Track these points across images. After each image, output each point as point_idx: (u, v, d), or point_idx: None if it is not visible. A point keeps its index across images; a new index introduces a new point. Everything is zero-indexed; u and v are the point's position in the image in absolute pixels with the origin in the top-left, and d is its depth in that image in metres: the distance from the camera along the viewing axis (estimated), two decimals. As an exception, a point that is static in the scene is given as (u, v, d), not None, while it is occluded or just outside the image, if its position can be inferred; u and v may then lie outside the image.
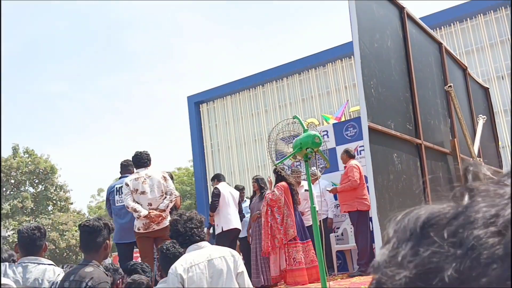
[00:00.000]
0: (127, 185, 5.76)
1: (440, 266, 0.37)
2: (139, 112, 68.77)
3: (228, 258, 3.28)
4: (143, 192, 5.69)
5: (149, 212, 5.57)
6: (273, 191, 6.71)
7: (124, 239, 6.09)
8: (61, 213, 32.47)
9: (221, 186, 7.43)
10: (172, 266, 3.24)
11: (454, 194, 0.43)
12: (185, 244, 3.38)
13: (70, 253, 31.69)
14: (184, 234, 3.32)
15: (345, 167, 7.15)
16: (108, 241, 3.27)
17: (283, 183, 6.70)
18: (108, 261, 7.19)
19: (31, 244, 3.40)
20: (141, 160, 5.95)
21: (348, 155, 7.22)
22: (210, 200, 7.49)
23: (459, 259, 0.36)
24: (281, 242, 6.46)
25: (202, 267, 3.18)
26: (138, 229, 5.66)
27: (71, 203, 34.60)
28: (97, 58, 69.97)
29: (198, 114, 31.90)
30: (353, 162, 7.04)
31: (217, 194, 7.24)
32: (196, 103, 31.48)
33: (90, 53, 68.92)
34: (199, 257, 3.22)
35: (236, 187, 8.20)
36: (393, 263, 0.40)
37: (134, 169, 6.07)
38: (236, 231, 7.17)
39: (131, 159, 6.21)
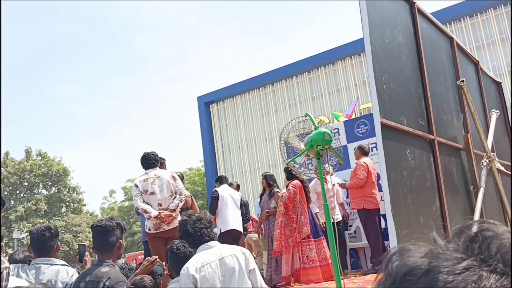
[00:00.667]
0: (136, 186, 5.75)
1: None
2: (150, 113, 69.10)
3: (239, 256, 3.28)
4: (152, 193, 5.69)
5: (159, 213, 5.58)
6: (289, 189, 6.70)
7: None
8: (74, 215, 32.73)
9: (221, 188, 7.53)
10: (184, 267, 3.24)
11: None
12: (195, 245, 3.38)
13: (84, 255, 31.84)
14: (194, 235, 3.33)
15: (356, 163, 7.13)
16: (121, 240, 3.27)
17: (296, 181, 6.69)
18: (121, 261, 7.21)
19: (41, 245, 3.40)
20: (149, 161, 5.92)
21: (362, 151, 7.18)
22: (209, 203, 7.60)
23: None
24: (295, 241, 6.44)
25: (214, 266, 3.18)
26: (149, 230, 5.66)
27: (84, 205, 34.87)
28: (108, 61, 70.41)
29: (208, 114, 32.00)
30: (363, 160, 7.00)
31: (215, 197, 7.34)
32: (206, 103, 31.57)
33: (102, 56, 69.37)
34: (211, 256, 3.22)
35: (230, 184, 8.19)
36: None
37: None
38: (235, 232, 7.16)
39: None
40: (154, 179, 5.75)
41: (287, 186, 6.78)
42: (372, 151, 7.88)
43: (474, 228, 0.52)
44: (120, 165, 63.18)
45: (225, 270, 3.19)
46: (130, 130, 68.22)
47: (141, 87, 70.38)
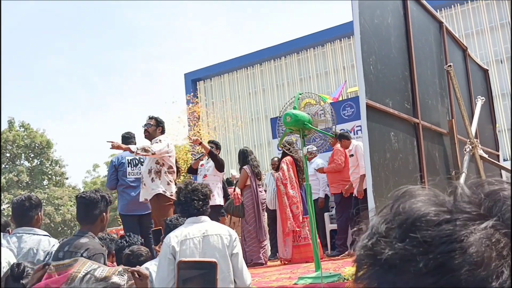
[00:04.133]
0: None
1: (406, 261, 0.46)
2: (137, 88, 68.50)
3: (225, 237, 3.24)
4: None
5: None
6: (281, 167, 6.72)
7: (132, 211, 6.06)
8: (57, 188, 32.53)
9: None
10: (167, 236, 3.23)
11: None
12: (183, 214, 3.36)
13: (65, 228, 31.82)
14: (184, 204, 3.29)
15: (333, 149, 7.11)
16: (105, 213, 3.25)
17: (288, 157, 6.68)
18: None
19: (22, 214, 3.40)
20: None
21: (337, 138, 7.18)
22: None
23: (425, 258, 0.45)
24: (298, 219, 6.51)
25: (196, 242, 3.16)
26: (171, 194, 5.51)
27: (67, 178, 34.67)
28: (98, 35, 69.36)
29: (195, 92, 31.80)
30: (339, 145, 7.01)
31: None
32: (193, 80, 31.33)
33: (92, 30, 68.31)
34: (195, 231, 3.19)
35: None
36: (384, 239, 0.49)
37: (136, 142, 6.13)
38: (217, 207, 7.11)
39: (131, 132, 6.29)
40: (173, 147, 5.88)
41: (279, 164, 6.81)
42: (357, 133, 7.90)
43: (488, 186, 0.51)
44: (104, 139, 62.72)
45: (206, 248, 3.16)
46: (116, 105, 67.65)
47: (129, 62, 69.71)
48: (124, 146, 5.48)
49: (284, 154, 6.76)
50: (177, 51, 72.99)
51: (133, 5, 73.22)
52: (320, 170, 7.34)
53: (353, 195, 6.71)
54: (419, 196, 0.52)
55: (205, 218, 3.31)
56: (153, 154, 5.45)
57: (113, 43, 71.63)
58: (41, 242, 3.34)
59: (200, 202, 3.27)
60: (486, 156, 5.26)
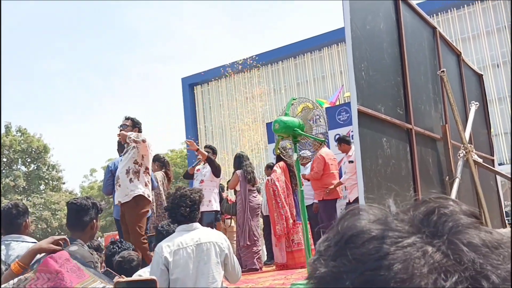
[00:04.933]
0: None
1: (336, 278, 0.47)
2: (135, 92, 68.52)
3: (218, 243, 3.22)
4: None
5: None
6: (274, 170, 6.73)
7: None
8: (53, 193, 32.47)
9: None
10: (159, 245, 3.19)
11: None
12: (173, 221, 3.32)
13: (62, 232, 31.71)
14: (171, 210, 3.26)
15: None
16: (95, 221, 3.23)
17: (281, 162, 6.68)
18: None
19: (9, 222, 3.38)
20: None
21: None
22: None
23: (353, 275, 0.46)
24: (281, 217, 6.48)
25: (190, 251, 3.12)
26: (148, 196, 5.36)
27: (63, 183, 34.61)
28: (96, 36, 69.41)
29: (192, 96, 31.77)
30: (323, 151, 6.98)
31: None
32: (190, 85, 31.33)
33: (89, 31, 68.36)
34: (188, 240, 3.15)
35: None
36: (322, 257, 0.50)
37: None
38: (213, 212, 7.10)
39: None
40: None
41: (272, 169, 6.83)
42: (352, 138, 7.89)
43: (433, 204, 0.50)
44: (102, 143, 62.77)
45: (200, 256, 3.13)
46: (113, 108, 67.65)
47: (128, 64, 69.77)
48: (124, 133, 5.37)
49: (279, 159, 6.76)
50: (175, 55, 73.01)
51: (132, 7, 73.34)
52: (303, 176, 7.38)
53: (336, 200, 6.89)
54: (364, 214, 0.51)
55: (197, 225, 3.27)
56: (143, 141, 5.26)
57: (111, 45, 71.78)
58: None
59: (188, 209, 3.22)
60: (480, 161, 5.25)
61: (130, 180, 5.27)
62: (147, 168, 5.39)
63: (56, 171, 33.65)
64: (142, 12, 72.61)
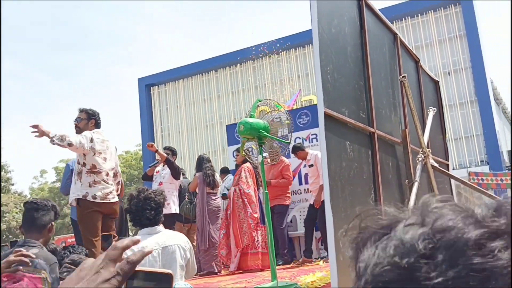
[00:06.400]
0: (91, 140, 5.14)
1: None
2: (88, 93, 66.91)
3: (182, 246, 3.19)
4: (104, 158, 5.23)
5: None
6: (241, 176, 6.66)
7: None
8: (2, 194, 31.24)
9: None
10: None
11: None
12: (136, 224, 3.25)
13: (10, 235, 30.57)
14: (135, 213, 3.17)
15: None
16: (53, 223, 3.13)
17: (248, 164, 6.62)
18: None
19: None
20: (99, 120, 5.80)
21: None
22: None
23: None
24: (249, 227, 6.44)
25: (155, 254, 3.07)
26: (94, 198, 5.03)
27: (12, 184, 33.40)
28: (49, 35, 67.38)
29: (149, 97, 31.29)
30: (285, 158, 7.12)
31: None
32: (147, 85, 30.84)
33: (43, 29, 66.27)
34: (152, 243, 3.09)
35: None
36: (425, 261, 0.42)
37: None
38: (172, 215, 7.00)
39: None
40: (108, 144, 5.24)
41: (240, 171, 6.74)
42: (312, 141, 7.94)
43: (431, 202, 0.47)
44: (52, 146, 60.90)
45: (166, 259, 3.08)
46: (66, 109, 65.88)
47: (81, 65, 68.03)
48: (44, 130, 4.72)
49: (242, 161, 6.74)
50: (131, 56, 71.86)
51: (88, 7, 71.62)
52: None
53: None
54: (454, 211, 0.45)
55: (160, 228, 3.21)
56: (69, 145, 4.78)
57: (64, 45, 69.82)
58: None
59: (153, 212, 3.15)
60: (437, 165, 5.38)
61: (75, 182, 5.07)
62: (93, 166, 5.02)
63: (4, 172, 32.44)
64: (97, 12, 71.10)
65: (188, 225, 7.41)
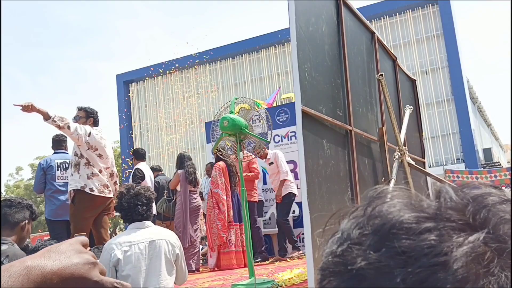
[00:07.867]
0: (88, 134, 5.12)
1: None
2: (64, 88, 66.01)
3: (171, 241, 3.20)
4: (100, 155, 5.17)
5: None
6: (212, 176, 6.67)
7: (60, 217, 5.74)
8: (-25, 192, 30.68)
9: (142, 167, 7.27)
10: (109, 242, 3.14)
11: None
12: (127, 220, 3.25)
13: (-15, 234, 30.08)
14: (127, 209, 3.19)
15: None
16: (27, 222, 3.09)
17: (221, 162, 6.62)
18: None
19: None
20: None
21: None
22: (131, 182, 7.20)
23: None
24: (224, 227, 6.46)
25: (142, 247, 3.08)
26: (91, 190, 5.00)
27: (-13, 182, 32.79)
28: (24, 30, 66.21)
29: (127, 94, 31.02)
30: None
31: (141, 177, 7.06)
32: (125, 82, 30.58)
33: (16, 24, 65.09)
34: (140, 237, 3.11)
35: (152, 168, 8.01)
36: (355, 247, 0.43)
37: (67, 145, 5.85)
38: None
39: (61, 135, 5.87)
40: (106, 143, 5.20)
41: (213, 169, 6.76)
42: (291, 139, 7.98)
43: (473, 191, 0.45)
44: (28, 141, 60.01)
45: (152, 253, 3.09)
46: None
47: (59, 60, 67.06)
48: (40, 108, 4.69)
49: (218, 159, 6.71)
50: (110, 52, 71.11)
51: (66, 2, 70.64)
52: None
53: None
54: (397, 197, 0.46)
55: (149, 223, 3.25)
56: (68, 128, 4.76)
57: (39, 40, 68.75)
58: None
59: (144, 207, 3.19)
60: (413, 163, 5.44)
61: (71, 174, 5.02)
62: (90, 160, 5.01)
63: (-21, 169, 31.83)
64: (74, 7, 70.14)
65: (167, 223, 7.37)
